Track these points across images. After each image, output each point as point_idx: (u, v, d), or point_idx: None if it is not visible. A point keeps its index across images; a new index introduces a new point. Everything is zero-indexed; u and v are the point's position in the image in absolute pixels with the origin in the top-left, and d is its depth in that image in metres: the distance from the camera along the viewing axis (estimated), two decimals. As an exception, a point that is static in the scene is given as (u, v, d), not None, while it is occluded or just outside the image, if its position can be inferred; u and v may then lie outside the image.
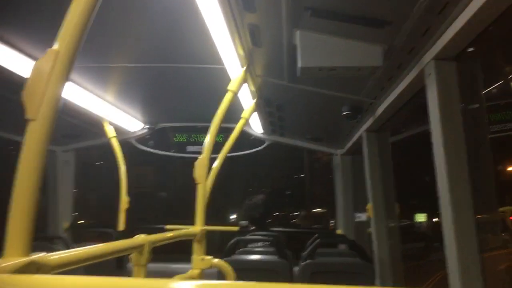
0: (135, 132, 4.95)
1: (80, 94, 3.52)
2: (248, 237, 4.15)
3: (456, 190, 2.02)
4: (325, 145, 5.15)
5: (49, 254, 1.14)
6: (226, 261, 3.03)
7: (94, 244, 1.51)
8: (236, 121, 3.47)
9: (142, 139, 5.08)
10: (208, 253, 2.84)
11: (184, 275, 2.58)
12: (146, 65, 3.15)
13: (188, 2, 2.12)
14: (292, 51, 2.40)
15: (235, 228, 5.35)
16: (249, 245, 4.23)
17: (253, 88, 3.29)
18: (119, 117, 4.33)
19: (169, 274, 2.46)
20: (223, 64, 2.83)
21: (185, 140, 5.13)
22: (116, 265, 4.01)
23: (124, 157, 4.61)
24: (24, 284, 0.91)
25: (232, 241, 3.75)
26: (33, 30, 2.44)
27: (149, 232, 2.24)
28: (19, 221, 1.05)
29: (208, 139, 2.86)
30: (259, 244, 4.22)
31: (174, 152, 5.19)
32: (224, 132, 4.34)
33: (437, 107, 2.09)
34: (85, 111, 3.87)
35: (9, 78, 2.70)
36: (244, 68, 2.82)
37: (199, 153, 2.88)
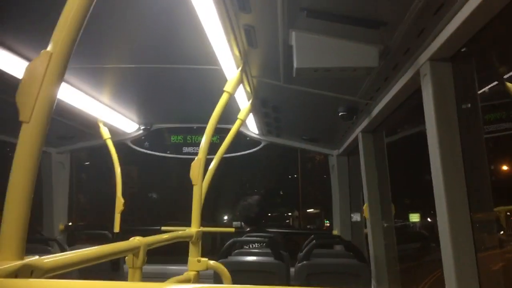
0: (130, 133, 4.93)
1: (75, 96, 3.51)
2: (244, 238, 4.14)
3: (451, 190, 2.03)
4: (321, 145, 5.15)
5: (43, 257, 1.13)
6: (222, 262, 3.02)
7: (89, 246, 1.51)
8: (232, 122, 3.47)
9: (137, 140, 5.07)
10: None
11: (179, 277, 2.56)
12: (141, 66, 3.14)
13: (183, 3, 2.12)
14: (288, 51, 2.40)
15: (232, 230, 5.34)
16: (246, 246, 4.23)
17: (249, 89, 3.29)
18: (114, 118, 4.32)
19: (165, 276, 2.46)
20: (218, 65, 2.82)
21: (181, 141, 5.12)
22: (111, 267, 3.99)
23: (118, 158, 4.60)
24: None
25: (228, 242, 3.74)
26: (27, 31, 2.43)
27: (145, 233, 2.23)
28: (13, 224, 1.04)
29: (204, 140, 2.85)
30: (256, 245, 4.21)
31: (170, 153, 5.18)
32: (220, 133, 4.34)
33: (432, 107, 2.09)
34: (80, 112, 3.86)
35: (2, 79, 2.68)
36: (240, 68, 2.82)
37: (195, 154, 2.87)
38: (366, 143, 3.73)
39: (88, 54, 2.89)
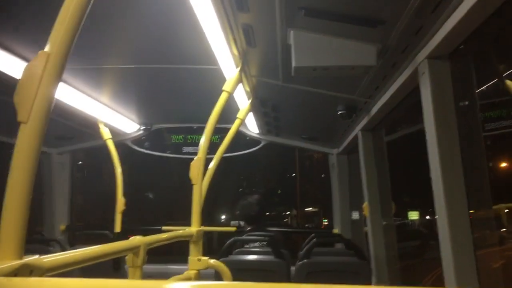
0: (130, 133, 4.94)
1: (75, 96, 3.51)
2: (244, 237, 4.15)
3: (450, 188, 2.03)
4: (321, 144, 5.16)
5: (43, 256, 1.14)
6: (223, 261, 3.03)
7: (90, 246, 1.51)
8: (232, 121, 3.48)
9: (138, 140, 5.08)
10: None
11: (180, 276, 2.57)
12: (141, 66, 3.15)
13: (181, 3, 2.12)
14: (286, 51, 2.40)
15: (233, 229, 5.35)
16: (246, 245, 4.23)
17: (248, 88, 3.29)
18: (114, 118, 4.33)
19: (165, 275, 2.46)
20: (218, 65, 2.83)
21: (182, 141, 5.13)
22: (112, 267, 4.00)
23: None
24: (16, 287, 0.91)
25: (229, 241, 3.74)
26: (26, 32, 2.43)
27: (147, 233, 2.24)
28: (12, 224, 1.05)
29: (204, 140, 2.86)
30: (257, 244, 4.21)
31: (170, 153, 5.19)
32: (220, 132, 4.34)
33: (431, 105, 2.10)
34: (80, 113, 3.86)
35: (1, 80, 2.69)
36: (239, 68, 2.82)
37: (196, 154, 2.88)
38: (366, 141, 3.74)
39: (88, 55, 2.90)
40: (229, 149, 3.63)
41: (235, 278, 2.91)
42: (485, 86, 3.82)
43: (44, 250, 4.07)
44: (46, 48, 1.14)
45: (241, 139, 5.05)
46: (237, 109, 3.54)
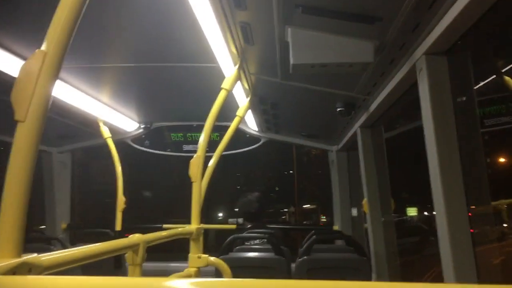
0: (131, 132, 4.95)
1: (75, 95, 3.53)
2: (244, 234, 4.16)
3: (449, 184, 2.04)
4: (320, 141, 5.16)
5: (41, 254, 1.14)
6: (223, 259, 3.04)
7: (94, 244, 1.52)
8: (231, 119, 3.48)
9: (138, 139, 5.09)
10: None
11: (180, 273, 2.58)
12: (140, 65, 3.15)
13: (179, 1, 2.13)
14: (284, 48, 2.41)
15: (233, 226, 5.36)
16: (247, 243, 4.24)
17: (247, 86, 3.30)
18: (114, 117, 4.34)
19: (166, 273, 2.48)
20: (216, 63, 2.84)
21: (182, 139, 5.14)
22: (113, 265, 4.02)
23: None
24: (15, 285, 0.92)
25: (229, 239, 3.75)
26: (23, 30, 2.44)
27: (147, 231, 2.24)
28: (10, 222, 1.05)
29: (203, 138, 2.87)
30: (257, 241, 4.23)
31: (170, 151, 5.20)
32: (220, 130, 4.35)
33: (429, 101, 2.10)
34: (80, 112, 3.88)
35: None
36: (237, 66, 2.83)
37: (196, 152, 2.89)
38: (365, 138, 3.74)
39: (88, 54, 2.91)
40: (229, 146, 3.64)
41: (235, 276, 2.92)
42: (484, 82, 3.82)
43: (46, 248, 4.09)
44: (43, 47, 1.14)
45: (241, 136, 5.06)
46: (237, 107, 3.54)
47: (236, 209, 4.86)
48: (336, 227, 5.06)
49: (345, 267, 3.42)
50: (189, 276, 2.61)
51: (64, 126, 4.41)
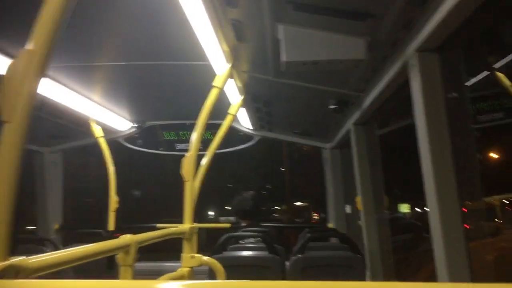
0: (123, 131, 4.92)
1: (66, 94, 3.49)
2: (237, 233, 4.14)
3: (441, 180, 2.03)
4: (314, 139, 5.16)
5: (29, 257, 1.12)
6: (216, 258, 3.02)
7: (83, 245, 1.50)
8: (225, 117, 3.47)
9: (130, 138, 5.06)
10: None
11: (173, 274, 2.57)
12: (131, 63, 3.13)
13: None
14: (276, 45, 2.39)
15: (227, 225, 5.35)
16: (241, 241, 4.23)
17: (239, 84, 3.28)
18: (106, 116, 4.31)
19: (158, 273, 2.46)
20: (208, 60, 2.82)
21: (175, 138, 5.11)
22: (106, 265, 3.99)
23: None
24: None
25: (222, 237, 3.74)
26: (12, 28, 2.41)
27: (141, 231, 2.23)
28: None
29: (195, 136, 2.85)
30: (251, 240, 4.21)
31: (163, 150, 5.18)
32: (213, 128, 4.33)
33: (421, 98, 2.10)
34: (72, 111, 3.84)
35: None
36: (229, 64, 2.81)
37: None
38: (358, 135, 3.74)
39: (78, 53, 2.88)
40: (223, 145, 3.62)
41: (229, 275, 2.91)
42: (476, 78, 3.82)
43: (38, 249, 4.05)
44: (30, 46, 1.12)
45: (234, 135, 5.04)
46: (230, 105, 3.53)
47: (230, 208, 4.84)
48: (330, 225, 5.06)
49: (339, 265, 3.41)
50: (182, 276, 2.60)
51: (55, 125, 4.37)
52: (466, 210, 2.07)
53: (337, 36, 2.22)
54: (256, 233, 4.05)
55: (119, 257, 1.90)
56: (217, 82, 2.83)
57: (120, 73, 3.32)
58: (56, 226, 5.20)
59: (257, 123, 4.68)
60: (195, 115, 2.94)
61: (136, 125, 4.87)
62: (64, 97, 3.52)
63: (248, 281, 0.82)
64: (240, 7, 2.15)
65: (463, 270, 1.99)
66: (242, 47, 2.68)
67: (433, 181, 2.03)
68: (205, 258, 2.80)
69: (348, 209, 5.04)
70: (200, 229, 3.21)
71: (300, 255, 3.45)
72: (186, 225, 2.77)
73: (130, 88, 3.81)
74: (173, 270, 2.72)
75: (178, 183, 2.96)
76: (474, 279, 2.01)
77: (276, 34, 2.31)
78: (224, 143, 3.64)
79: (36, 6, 1.17)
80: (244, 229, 4.36)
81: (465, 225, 2.03)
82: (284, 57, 2.24)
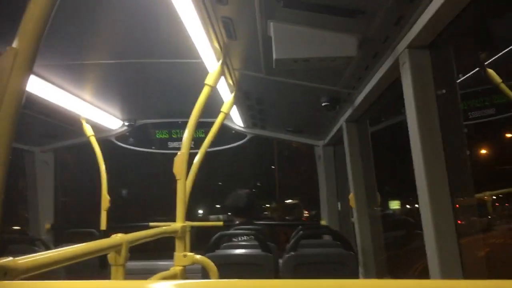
0: (114, 130, 4.89)
1: (56, 93, 3.47)
2: (230, 231, 4.13)
3: (433, 177, 2.04)
4: (307, 136, 5.16)
5: (18, 258, 1.11)
6: (209, 256, 3.01)
7: (74, 245, 1.49)
8: (217, 115, 3.46)
9: (122, 136, 5.03)
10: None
11: (165, 272, 2.55)
12: (122, 61, 3.11)
13: None
14: (267, 43, 2.38)
15: (220, 223, 5.34)
16: (234, 239, 4.22)
17: (231, 82, 3.27)
18: (97, 115, 4.28)
19: (151, 272, 2.45)
20: (200, 58, 2.80)
21: (167, 136, 5.09)
22: (99, 265, 3.97)
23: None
24: None
25: (215, 236, 3.73)
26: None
27: (134, 230, 2.21)
28: None
29: (186, 135, 2.84)
30: (245, 238, 4.20)
31: (155, 148, 5.16)
32: (205, 127, 4.32)
33: (412, 95, 2.10)
34: (62, 110, 3.81)
35: None
36: (220, 61, 2.80)
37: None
38: (350, 132, 3.74)
39: (68, 51, 2.86)
40: (215, 143, 3.61)
41: (222, 273, 2.90)
42: (467, 75, 3.84)
43: (29, 250, 4.02)
44: (14, 44, 1.11)
45: (227, 133, 5.03)
46: (222, 103, 3.52)
47: (225, 204, 4.80)
48: (323, 222, 5.06)
49: (332, 262, 3.42)
50: (174, 275, 2.59)
51: (46, 124, 4.33)
52: (458, 206, 2.07)
53: (328, 33, 2.21)
54: (248, 231, 4.04)
55: (110, 256, 1.89)
56: (209, 80, 2.82)
57: (111, 72, 3.29)
58: (47, 225, 5.16)
59: (249, 121, 4.68)
60: (187, 113, 2.92)
61: (127, 123, 4.84)
62: (54, 95, 3.49)
63: (241, 280, 0.81)
64: (231, 4, 2.14)
65: (455, 266, 2.00)
66: (233, 45, 2.67)
67: (425, 177, 2.03)
68: (198, 256, 2.79)
69: (338, 206, 5.05)
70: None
71: (293, 253, 3.46)
72: (178, 223, 2.76)
73: (121, 87, 3.78)
74: (166, 269, 2.71)
75: (170, 181, 2.94)
76: (466, 275, 2.02)
77: (267, 31, 2.30)
78: (216, 141, 3.62)
79: (20, 4, 1.15)
80: (236, 227, 4.35)
81: (458, 221, 2.04)
82: (275, 55, 2.23)
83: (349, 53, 2.22)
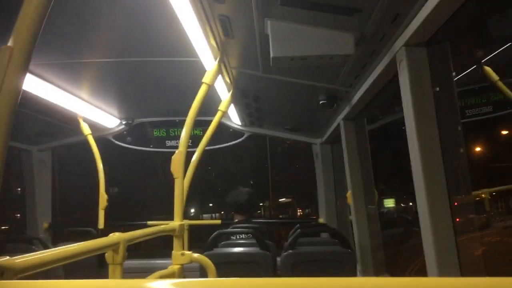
0: (112, 128, 4.88)
1: (54, 92, 3.46)
2: (228, 230, 4.14)
3: (430, 175, 2.04)
4: (304, 134, 5.16)
5: (15, 257, 1.11)
6: (207, 255, 3.01)
7: (72, 244, 1.48)
8: (215, 114, 3.46)
9: (119, 135, 5.02)
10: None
11: (163, 271, 2.55)
12: (119, 60, 3.10)
13: None
14: (264, 41, 2.38)
15: (218, 222, 5.34)
16: (233, 237, 4.22)
17: (228, 80, 3.27)
18: (94, 113, 4.27)
19: (149, 271, 2.44)
20: (197, 57, 2.80)
21: (164, 135, 5.09)
22: (97, 264, 3.97)
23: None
24: None
25: (213, 234, 3.73)
26: None
27: (132, 229, 2.21)
28: None
29: (184, 133, 2.83)
30: (243, 236, 4.20)
31: (153, 147, 5.15)
32: (203, 125, 4.32)
33: (409, 93, 2.10)
34: (59, 108, 3.80)
35: None
36: (218, 59, 2.80)
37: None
38: (348, 130, 3.74)
39: (65, 50, 2.85)
40: (213, 141, 3.61)
41: (220, 272, 2.90)
42: (464, 73, 3.84)
43: (27, 249, 4.01)
44: (10, 43, 1.10)
45: (224, 131, 5.03)
46: (220, 101, 3.51)
47: (227, 202, 4.80)
48: (321, 220, 5.07)
49: (330, 260, 3.42)
50: (172, 273, 2.58)
51: (43, 123, 4.33)
52: (455, 204, 2.07)
53: (325, 31, 2.21)
54: (246, 229, 4.04)
55: (108, 255, 1.89)
56: (206, 78, 2.82)
57: (108, 70, 3.29)
58: (45, 224, 5.16)
59: (246, 119, 4.67)
60: (184, 112, 2.92)
61: (124, 122, 4.84)
62: (52, 94, 3.49)
63: (239, 278, 0.81)
64: (228, 3, 2.13)
65: (453, 264, 2.01)
66: (230, 43, 2.67)
67: (422, 175, 2.04)
68: (196, 255, 2.79)
69: (335, 204, 5.05)
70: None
71: (291, 251, 3.46)
72: (176, 222, 2.76)
73: (119, 85, 3.78)
74: (163, 267, 2.71)
75: (168, 180, 2.94)
76: (463, 273, 2.02)
77: (264, 29, 2.30)
78: (214, 139, 3.62)
79: (16, 2, 1.15)
80: (234, 226, 4.36)
81: (456, 219, 2.04)
82: (272, 53, 2.23)
83: (346, 51, 2.22)
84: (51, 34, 2.37)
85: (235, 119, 4.74)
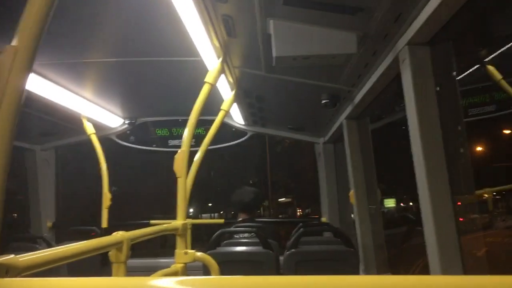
0: (115, 128, 4.90)
1: (57, 91, 3.48)
2: (231, 228, 4.14)
3: (433, 174, 2.04)
4: (307, 134, 5.16)
5: (19, 255, 1.12)
6: (210, 254, 3.02)
7: (76, 243, 1.49)
8: (217, 113, 3.46)
9: (123, 134, 5.04)
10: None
11: (166, 270, 2.56)
12: (123, 59, 3.11)
13: None
14: (267, 40, 2.38)
15: (221, 221, 5.34)
16: (236, 236, 4.23)
17: (231, 80, 3.27)
18: (98, 113, 4.29)
19: (152, 270, 2.46)
20: (200, 56, 2.81)
21: (167, 134, 5.10)
22: (100, 262, 3.98)
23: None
24: None
25: (216, 233, 3.73)
26: None
27: (135, 228, 2.21)
28: None
29: (187, 132, 2.84)
30: (246, 235, 4.21)
31: (156, 146, 5.16)
32: (206, 124, 4.32)
33: (412, 92, 2.10)
34: (63, 108, 3.82)
35: None
36: (221, 59, 2.80)
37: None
38: (351, 129, 3.74)
39: (69, 50, 2.86)
40: (215, 141, 3.61)
41: (223, 270, 2.91)
42: (467, 72, 3.84)
43: (31, 247, 4.03)
44: (14, 42, 1.11)
45: (227, 131, 5.03)
46: (223, 101, 3.52)
47: (232, 201, 4.79)
48: (324, 219, 5.07)
49: (333, 259, 3.42)
50: (175, 272, 2.59)
51: (47, 123, 4.34)
52: (458, 203, 2.07)
53: (328, 30, 2.21)
54: (249, 228, 4.05)
55: (111, 254, 1.90)
56: (209, 78, 2.83)
57: (111, 70, 3.30)
58: (49, 223, 5.18)
59: (249, 119, 4.68)
60: (187, 111, 2.93)
61: (128, 121, 4.85)
62: (55, 94, 3.50)
63: (241, 276, 0.82)
64: (231, 2, 2.14)
65: (456, 263, 2.01)
66: (233, 43, 2.67)
67: (425, 174, 2.04)
68: (199, 254, 2.80)
69: (338, 203, 5.05)
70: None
71: (293, 250, 3.46)
72: (179, 221, 2.77)
73: (122, 85, 3.79)
74: (166, 266, 2.72)
75: (171, 179, 2.95)
76: (466, 271, 2.02)
77: (267, 29, 2.30)
78: (217, 139, 3.63)
79: (20, 2, 1.16)
80: (237, 225, 4.36)
81: (459, 218, 2.04)
82: (275, 52, 2.23)
83: (349, 50, 2.22)
84: (55, 34, 2.38)
85: (237, 118, 4.75)
